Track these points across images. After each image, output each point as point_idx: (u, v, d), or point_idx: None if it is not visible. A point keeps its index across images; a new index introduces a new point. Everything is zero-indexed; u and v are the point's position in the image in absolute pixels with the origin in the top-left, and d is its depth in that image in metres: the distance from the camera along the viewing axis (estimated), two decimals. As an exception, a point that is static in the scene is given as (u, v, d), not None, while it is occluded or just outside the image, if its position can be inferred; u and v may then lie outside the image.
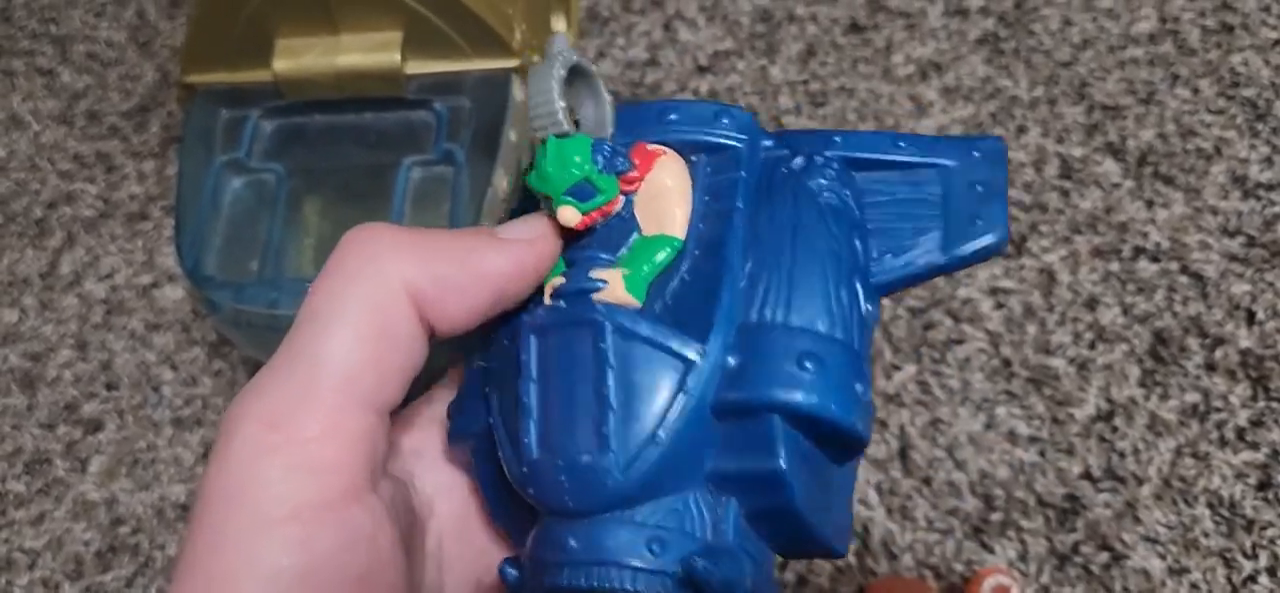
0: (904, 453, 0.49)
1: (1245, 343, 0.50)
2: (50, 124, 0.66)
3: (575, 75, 0.23)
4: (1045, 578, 0.46)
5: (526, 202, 0.26)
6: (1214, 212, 0.54)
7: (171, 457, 0.53)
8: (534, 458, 0.22)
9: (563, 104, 0.23)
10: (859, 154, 0.25)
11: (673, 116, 0.25)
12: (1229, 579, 0.45)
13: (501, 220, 0.31)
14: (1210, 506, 0.47)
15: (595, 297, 0.23)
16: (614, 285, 0.23)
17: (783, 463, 0.22)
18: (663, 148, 0.24)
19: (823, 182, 0.24)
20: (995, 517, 0.47)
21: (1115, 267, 0.53)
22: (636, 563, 0.21)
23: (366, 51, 0.47)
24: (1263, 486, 0.47)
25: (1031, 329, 0.52)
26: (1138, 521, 0.47)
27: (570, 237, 0.25)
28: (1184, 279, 0.52)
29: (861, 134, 0.25)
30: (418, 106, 0.49)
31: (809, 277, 0.23)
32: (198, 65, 0.50)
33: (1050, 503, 0.47)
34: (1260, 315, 0.51)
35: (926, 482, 0.48)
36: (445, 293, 0.23)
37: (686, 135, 0.25)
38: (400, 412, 0.24)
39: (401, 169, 0.47)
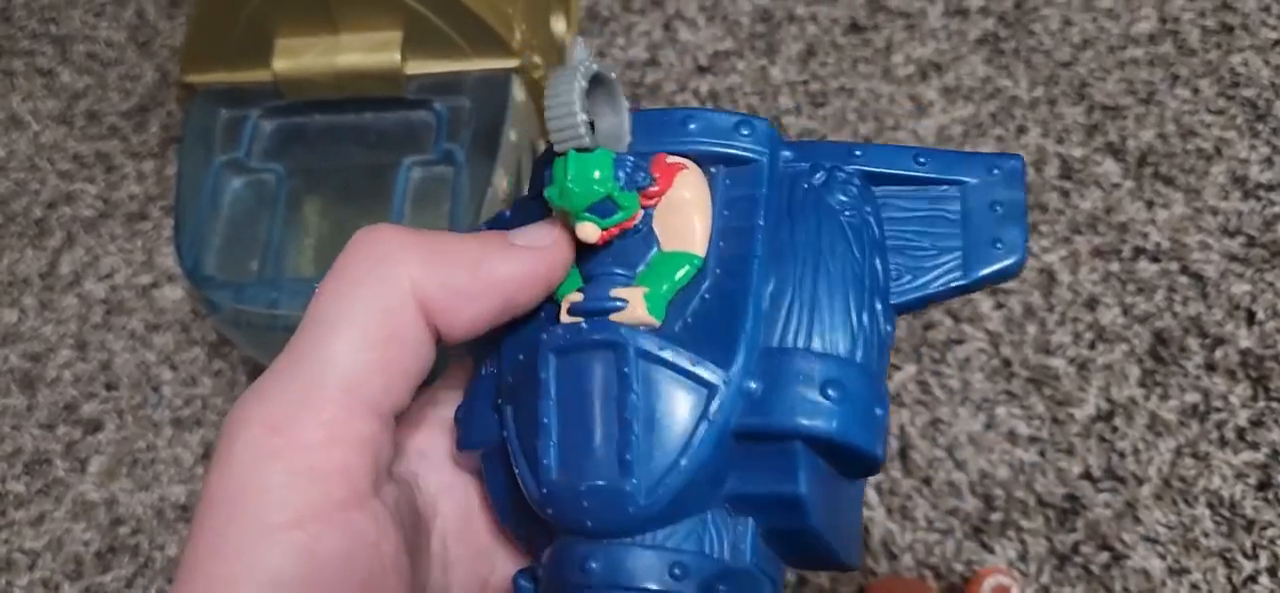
0: (904, 453, 0.49)
1: (1245, 343, 0.50)
2: (50, 124, 0.66)
3: (594, 84, 0.23)
4: (1045, 578, 0.46)
5: (527, 200, 0.26)
6: (1214, 212, 0.54)
7: (171, 457, 0.53)
8: (553, 479, 0.22)
9: (584, 117, 0.22)
10: (879, 169, 0.25)
11: (692, 126, 0.24)
12: (1229, 579, 0.45)
13: None
14: (1210, 506, 0.47)
15: (615, 317, 0.23)
16: (634, 305, 0.23)
17: (804, 489, 0.22)
18: (683, 161, 0.24)
19: (844, 198, 0.24)
20: (995, 517, 0.47)
21: (1115, 267, 0.53)
22: (658, 588, 0.22)
23: (366, 51, 0.47)
24: (1263, 486, 0.47)
25: (1031, 329, 0.52)
26: (1138, 521, 0.47)
27: (585, 247, 0.24)
28: (1184, 279, 0.52)
29: (882, 148, 0.25)
30: (418, 106, 0.49)
31: (831, 298, 0.23)
32: (197, 65, 0.50)
33: (1050, 503, 0.47)
34: (1260, 315, 0.51)
35: (926, 482, 0.48)
36: (454, 299, 0.22)
37: (706, 146, 0.24)
38: (404, 411, 0.24)
39: (401, 169, 0.47)
